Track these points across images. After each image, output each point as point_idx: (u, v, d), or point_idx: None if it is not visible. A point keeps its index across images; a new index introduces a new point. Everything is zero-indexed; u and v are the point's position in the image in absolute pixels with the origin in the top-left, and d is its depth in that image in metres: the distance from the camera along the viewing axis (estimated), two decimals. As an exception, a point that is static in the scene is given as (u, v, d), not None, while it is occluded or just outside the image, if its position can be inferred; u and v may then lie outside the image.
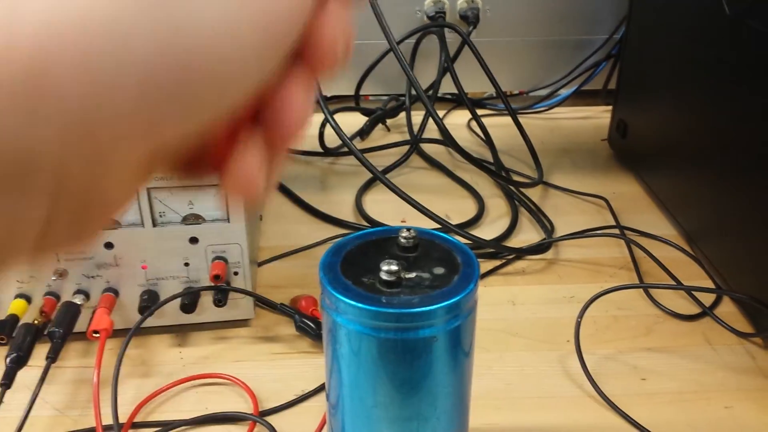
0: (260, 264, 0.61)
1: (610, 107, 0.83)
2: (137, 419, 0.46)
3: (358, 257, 0.35)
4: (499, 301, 0.57)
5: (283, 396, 0.48)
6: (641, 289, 0.58)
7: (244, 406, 0.47)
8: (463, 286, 0.33)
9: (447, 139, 0.69)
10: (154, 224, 0.50)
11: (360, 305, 0.32)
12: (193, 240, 0.51)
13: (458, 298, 0.33)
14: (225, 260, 0.51)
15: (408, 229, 0.36)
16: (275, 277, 0.60)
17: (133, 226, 0.50)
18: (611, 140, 0.82)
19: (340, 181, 0.77)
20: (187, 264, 0.51)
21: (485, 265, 0.61)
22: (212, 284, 0.50)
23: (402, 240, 0.36)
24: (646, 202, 0.72)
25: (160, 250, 0.51)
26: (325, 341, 0.36)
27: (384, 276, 0.33)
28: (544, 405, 0.47)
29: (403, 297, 0.32)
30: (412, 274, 0.34)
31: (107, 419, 0.44)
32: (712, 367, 0.50)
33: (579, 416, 0.46)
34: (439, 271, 0.35)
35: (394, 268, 0.33)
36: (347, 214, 0.70)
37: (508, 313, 0.56)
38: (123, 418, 0.45)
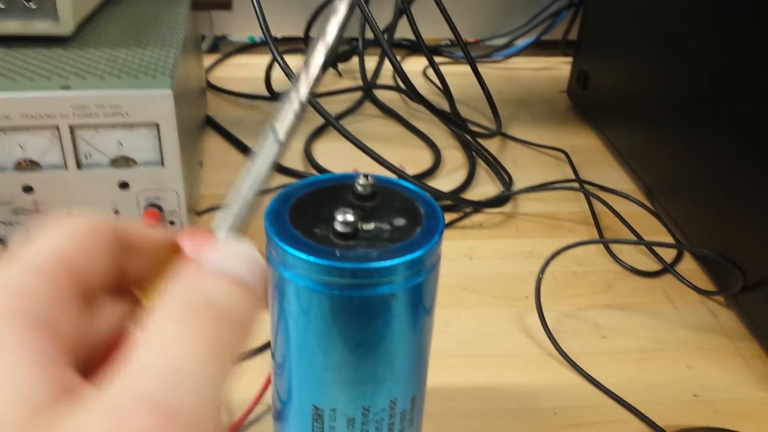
0: (200, 213, 0.57)
1: (569, 59, 0.80)
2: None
3: (309, 206, 0.32)
4: (455, 256, 0.54)
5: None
6: (601, 245, 0.56)
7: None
8: (426, 240, 0.30)
9: (404, 83, 0.65)
10: (79, 166, 0.45)
11: (311, 259, 0.28)
12: (123, 185, 0.46)
13: (421, 252, 0.29)
14: (159, 208, 0.47)
15: (366, 176, 0.32)
16: (217, 227, 0.56)
17: (55, 168, 0.44)
18: (570, 92, 0.79)
19: (288, 127, 0.72)
20: (116, 212, 0.46)
21: (441, 218, 0.58)
22: (146, 234, 0.46)
23: (359, 188, 0.32)
24: (605, 155, 0.70)
25: (86, 195, 0.46)
26: (271, 297, 0.32)
27: (338, 227, 0.29)
28: (502, 364, 0.45)
29: (360, 250, 0.29)
30: (371, 226, 0.30)
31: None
32: (673, 326, 0.48)
33: (538, 375, 0.44)
34: (400, 222, 0.31)
35: (350, 218, 0.29)
36: (296, 162, 0.66)
37: (465, 267, 0.53)
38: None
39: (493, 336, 0.47)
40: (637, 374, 0.44)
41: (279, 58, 0.60)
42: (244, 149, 0.66)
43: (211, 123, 0.70)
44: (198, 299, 0.16)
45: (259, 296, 0.18)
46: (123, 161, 0.45)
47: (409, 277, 0.29)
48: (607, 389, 0.43)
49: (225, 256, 0.18)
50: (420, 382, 0.34)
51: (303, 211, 0.31)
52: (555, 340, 0.46)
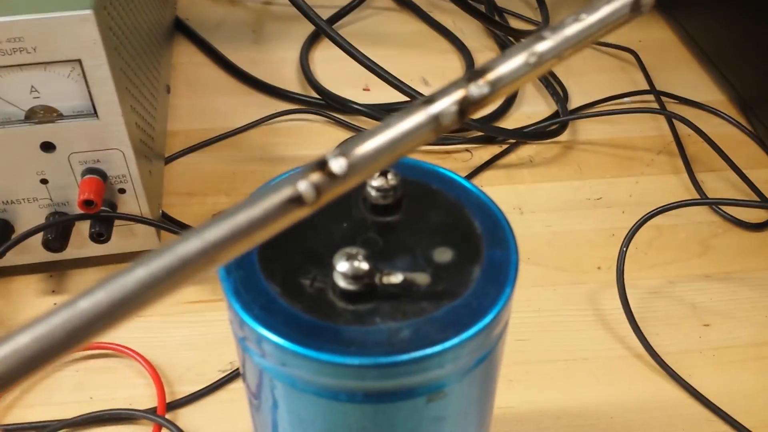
0: (169, 160, 0.44)
1: None
2: (-16, 422, 0.31)
3: (293, 231, 0.19)
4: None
5: (202, 373, 0.33)
6: (689, 182, 0.43)
7: (144, 393, 0.32)
8: (491, 292, 0.18)
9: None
10: (-18, 124, 0.32)
11: (298, 349, 0.16)
12: (47, 146, 0.33)
13: (486, 320, 0.17)
14: (102, 174, 0.34)
15: (385, 174, 0.19)
16: (191, 177, 0.43)
17: (-55, 130, 0.32)
18: (632, -33, 0.63)
19: (280, 30, 0.57)
20: (44, 181, 0.34)
21: (479, 155, 0.45)
22: (82, 212, 0.34)
23: (373, 192, 0.19)
24: (683, 54, 0.55)
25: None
26: (246, 383, 0.20)
27: (342, 282, 0.17)
28: (574, 372, 0.33)
29: (381, 326, 0.17)
30: (396, 276, 0.18)
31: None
32: (797, 304, 0.37)
33: (623, 387, 0.33)
34: (444, 255, 0.19)
35: (361, 265, 0.17)
36: (290, 79, 0.52)
37: (515, 226, 0.41)
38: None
39: (560, 330, 0.35)
40: (754, 382, 0.33)
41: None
42: (225, 64, 0.52)
43: (181, 27, 0.56)
44: None
45: None
46: (43, 113, 0.32)
47: (465, 363, 0.17)
48: (719, 408, 0.32)
49: None
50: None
51: (284, 241, 0.19)
52: (644, 337, 0.34)
